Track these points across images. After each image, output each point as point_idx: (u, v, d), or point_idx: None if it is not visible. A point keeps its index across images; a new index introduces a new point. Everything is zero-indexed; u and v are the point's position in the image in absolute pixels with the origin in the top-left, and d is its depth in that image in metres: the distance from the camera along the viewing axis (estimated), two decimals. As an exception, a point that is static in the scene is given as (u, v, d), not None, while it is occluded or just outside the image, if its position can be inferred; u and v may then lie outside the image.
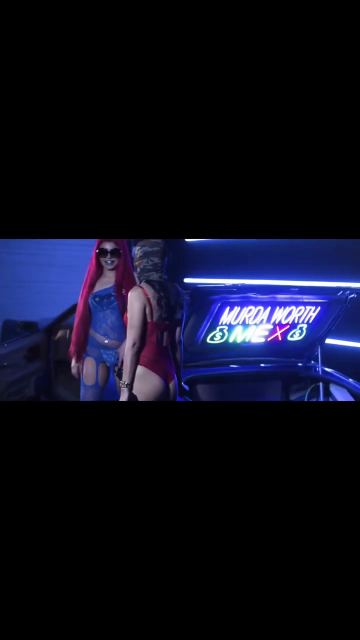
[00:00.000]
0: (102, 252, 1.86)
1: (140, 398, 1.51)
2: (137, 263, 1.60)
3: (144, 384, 1.52)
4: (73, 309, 2.95)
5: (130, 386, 1.49)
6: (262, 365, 2.28)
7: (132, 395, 1.50)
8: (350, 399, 2.15)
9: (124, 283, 1.77)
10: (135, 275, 1.70)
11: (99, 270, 1.91)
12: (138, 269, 1.62)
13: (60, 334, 3.02)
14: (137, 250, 1.59)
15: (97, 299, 1.88)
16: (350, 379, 2.19)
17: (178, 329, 1.64)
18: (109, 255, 1.85)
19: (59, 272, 5.68)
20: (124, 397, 1.50)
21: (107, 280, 1.89)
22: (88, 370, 1.90)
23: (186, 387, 1.80)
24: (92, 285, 1.90)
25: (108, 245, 1.84)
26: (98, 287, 1.89)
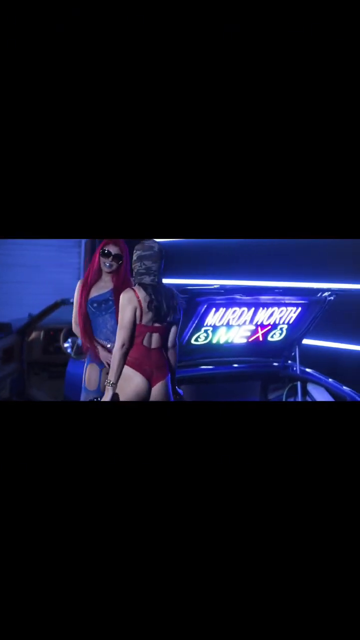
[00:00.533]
0: (104, 254, 1.83)
1: (122, 397, 1.55)
2: (132, 266, 1.62)
3: (127, 383, 1.56)
4: (46, 310, 2.93)
5: (114, 385, 1.53)
6: (242, 365, 2.31)
7: (115, 395, 1.53)
8: (329, 398, 2.23)
9: (123, 287, 1.76)
10: (132, 278, 1.70)
11: (99, 272, 1.88)
12: (133, 272, 1.63)
13: (33, 335, 3.00)
14: (133, 254, 1.60)
15: (94, 304, 1.85)
16: (329, 379, 2.27)
17: (172, 332, 1.66)
18: (110, 259, 1.81)
19: (26, 273, 5.59)
20: (107, 396, 1.54)
21: (104, 285, 1.87)
22: (91, 376, 1.89)
23: (180, 391, 1.79)
24: (90, 285, 1.87)
25: (112, 249, 1.81)
26: (94, 292, 1.86)
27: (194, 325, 1.94)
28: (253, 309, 2.07)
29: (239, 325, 2.12)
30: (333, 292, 2.15)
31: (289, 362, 2.40)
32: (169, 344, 1.66)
